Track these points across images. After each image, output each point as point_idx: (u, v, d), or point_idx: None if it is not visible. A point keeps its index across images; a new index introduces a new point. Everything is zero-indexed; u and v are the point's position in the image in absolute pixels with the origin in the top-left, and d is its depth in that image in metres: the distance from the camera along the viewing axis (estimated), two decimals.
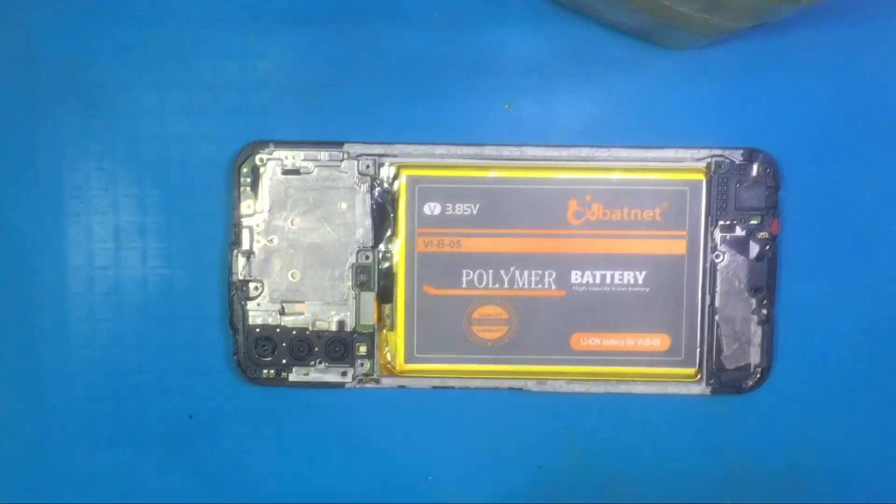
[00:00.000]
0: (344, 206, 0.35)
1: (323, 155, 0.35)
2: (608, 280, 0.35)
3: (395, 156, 0.35)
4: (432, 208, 0.35)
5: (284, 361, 0.35)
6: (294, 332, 0.35)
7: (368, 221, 0.35)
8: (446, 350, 0.35)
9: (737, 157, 0.34)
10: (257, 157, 0.35)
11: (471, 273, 0.35)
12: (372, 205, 0.35)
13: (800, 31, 0.35)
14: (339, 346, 0.35)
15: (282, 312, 0.35)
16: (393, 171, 0.35)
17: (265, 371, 0.35)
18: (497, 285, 0.35)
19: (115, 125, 0.36)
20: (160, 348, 0.36)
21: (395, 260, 0.35)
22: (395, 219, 0.35)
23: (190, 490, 0.36)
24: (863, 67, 0.35)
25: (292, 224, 0.35)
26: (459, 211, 0.35)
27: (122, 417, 0.36)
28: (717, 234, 0.35)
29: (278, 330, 0.35)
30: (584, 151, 0.35)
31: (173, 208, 0.36)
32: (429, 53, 0.35)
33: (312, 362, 0.35)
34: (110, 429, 0.36)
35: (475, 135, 0.35)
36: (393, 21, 0.35)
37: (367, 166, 0.35)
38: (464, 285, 0.35)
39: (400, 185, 0.35)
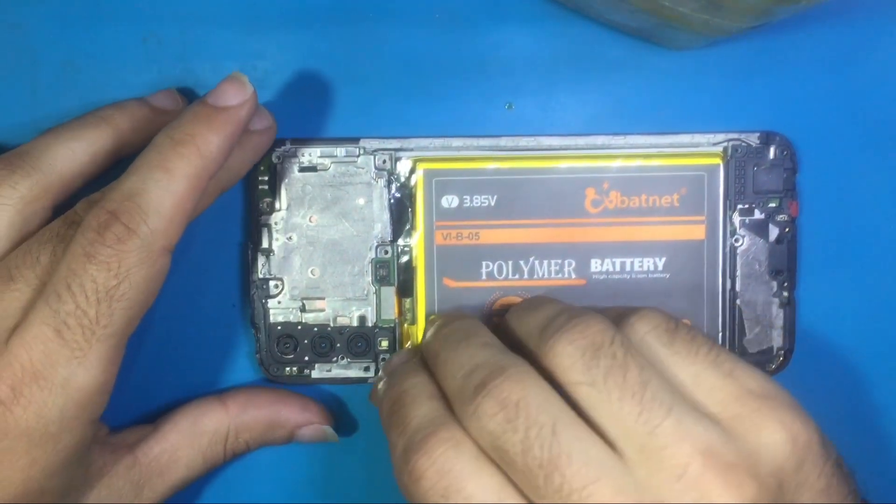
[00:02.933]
0: (361, 201, 0.35)
1: (339, 151, 0.35)
2: (628, 267, 0.35)
3: (412, 149, 0.35)
4: (450, 201, 0.35)
5: (307, 359, 0.35)
6: (315, 329, 0.35)
7: (386, 216, 0.35)
8: None
9: (753, 140, 0.35)
10: (273, 155, 0.34)
11: (490, 265, 0.35)
12: (390, 199, 0.35)
13: (812, 24, 0.35)
14: (360, 342, 0.35)
15: (302, 310, 0.35)
16: (409, 164, 0.35)
17: (287, 369, 0.35)
18: (517, 276, 0.35)
19: None
20: (178, 349, 0.36)
21: (414, 254, 0.35)
22: (413, 213, 0.35)
23: (204, 490, 0.37)
24: (877, 54, 0.35)
25: (311, 221, 0.35)
26: (477, 203, 0.35)
27: (138, 420, 0.36)
28: (736, 218, 0.35)
29: (300, 327, 0.35)
30: (601, 139, 0.35)
31: None
32: (431, 53, 0.35)
33: (335, 358, 0.35)
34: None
35: (481, 132, 0.35)
36: (394, 21, 0.35)
37: (384, 161, 0.35)
38: (483, 277, 0.35)
39: (417, 179, 0.35)
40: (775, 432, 0.26)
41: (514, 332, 0.31)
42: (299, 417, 0.35)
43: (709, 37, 0.31)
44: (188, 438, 0.33)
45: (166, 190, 0.28)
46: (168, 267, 0.29)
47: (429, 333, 0.32)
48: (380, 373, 0.34)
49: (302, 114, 0.35)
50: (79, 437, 0.29)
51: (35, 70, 0.35)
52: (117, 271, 0.28)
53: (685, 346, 0.28)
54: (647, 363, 0.27)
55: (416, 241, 0.35)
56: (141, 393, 0.36)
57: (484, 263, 0.35)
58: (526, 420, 0.25)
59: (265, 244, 0.35)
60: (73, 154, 0.31)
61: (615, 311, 0.30)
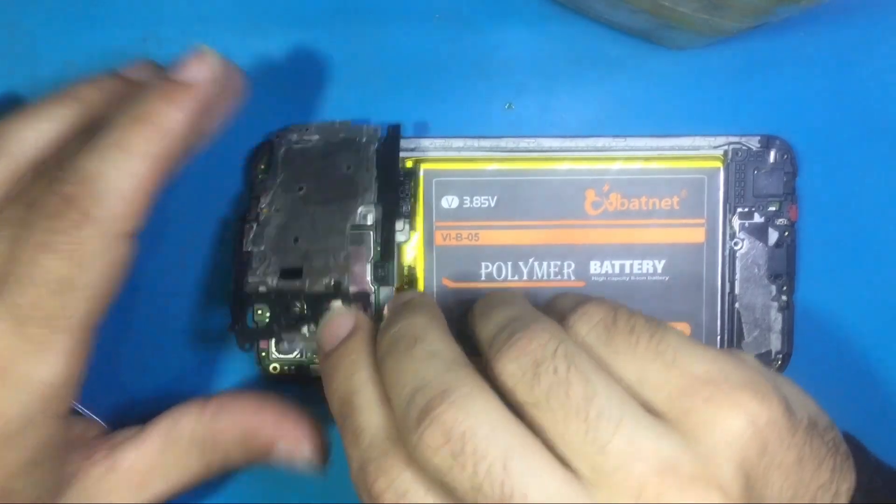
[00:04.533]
0: (348, 168, 0.34)
1: (334, 126, 0.35)
2: (627, 270, 0.35)
3: (412, 150, 0.35)
4: (450, 201, 0.35)
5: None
6: (293, 299, 0.34)
7: (373, 184, 0.34)
8: (467, 343, 0.35)
9: (754, 143, 0.35)
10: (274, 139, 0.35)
11: (490, 266, 0.35)
12: (377, 165, 0.34)
13: (812, 25, 0.35)
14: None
15: (281, 277, 0.34)
16: (410, 164, 0.35)
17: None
18: (516, 277, 0.35)
19: None
20: (165, 335, 0.36)
21: (413, 254, 0.35)
22: (413, 213, 0.35)
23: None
24: (878, 56, 0.35)
25: (298, 192, 0.34)
26: (477, 204, 0.35)
27: (122, 413, 0.35)
28: (736, 222, 0.35)
29: (275, 297, 0.34)
30: (601, 141, 0.35)
31: (174, 208, 0.35)
32: (432, 53, 0.35)
33: (307, 330, 0.34)
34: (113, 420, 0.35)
35: (481, 133, 0.35)
36: (394, 21, 0.35)
37: (375, 130, 0.34)
38: (483, 278, 0.35)
39: (417, 179, 0.35)
40: (731, 419, 0.24)
41: (474, 335, 0.29)
42: (274, 429, 0.31)
43: (709, 37, 0.31)
44: (166, 443, 0.31)
45: (125, 171, 0.26)
46: (131, 252, 0.27)
47: (381, 327, 0.29)
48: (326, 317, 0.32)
49: (302, 113, 0.35)
50: (44, 435, 0.27)
51: (35, 70, 0.35)
52: (76, 260, 0.26)
53: (624, 341, 0.26)
54: (592, 372, 0.25)
55: (415, 242, 0.35)
56: (123, 382, 0.36)
57: (483, 264, 0.35)
58: (474, 454, 0.23)
59: (250, 216, 0.34)
60: (41, 136, 0.29)
61: (565, 305, 0.28)
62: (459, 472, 0.23)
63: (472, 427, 0.24)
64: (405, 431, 0.25)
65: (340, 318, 0.30)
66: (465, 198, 0.35)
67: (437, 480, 0.24)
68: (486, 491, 0.23)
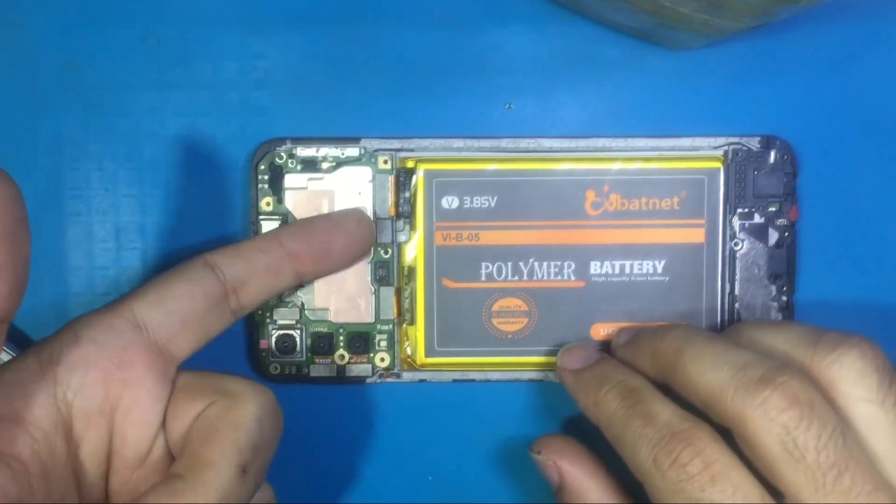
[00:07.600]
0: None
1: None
2: (627, 270, 0.35)
3: (412, 150, 0.35)
4: (450, 202, 0.35)
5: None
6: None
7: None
8: (467, 343, 0.35)
9: (754, 144, 0.35)
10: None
11: (490, 266, 0.35)
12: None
13: (812, 25, 0.35)
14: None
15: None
16: (410, 164, 0.35)
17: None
18: (516, 277, 0.35)
19: (115, 125, 0.35)
20: None
21: (413, 254, 0.35)
22: (413, 213, 0.35)
23: None
24: (878, 56, 0.35)
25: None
26: (477, 204, 0.35)
27: None
28: (736, 222, 0.35)
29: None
30: (601, 142, 0.35)
31: (174, 209, 0.36)
32: (431, 53, 0.35)
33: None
34: None
35: (481, 133, 0.35)
36: (393, 21, 0.35)
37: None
38: (483, 278, 0.35)
39: (417, 180, 0.35)
40: None
41: (763, 344, 0.30)
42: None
43: (709, 37, 0.31)
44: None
45: None
46: None
47: (639, 338, 0.32)
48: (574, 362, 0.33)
49: (302, 114, 0.35)
50: None
51: (35, 70, 0.35)
52: None
53: None
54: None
55: (415, 242, 0.35)
56: None
57: (483, 264, 0.35)
58: (819, 420, 0.26)
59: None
60: None
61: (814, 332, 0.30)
62: (805, 431, 0.26)
63: (813, 399, 0.27)
64: (740, 394, 0.27)
65: (584, 349, 0.33)
66: (465, 198, 0.35)
67: (777, 437, 0.26)
68: (830, 450, 0.26)
